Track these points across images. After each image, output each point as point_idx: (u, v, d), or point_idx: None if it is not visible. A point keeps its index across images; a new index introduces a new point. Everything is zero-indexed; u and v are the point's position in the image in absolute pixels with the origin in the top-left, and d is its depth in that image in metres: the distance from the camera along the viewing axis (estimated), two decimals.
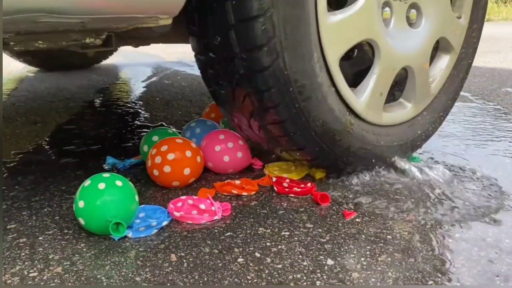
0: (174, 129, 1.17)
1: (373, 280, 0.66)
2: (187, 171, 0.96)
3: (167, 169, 0.95)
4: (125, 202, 0.77)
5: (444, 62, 1.11)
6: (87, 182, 0.78)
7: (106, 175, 0.80)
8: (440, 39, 1.07)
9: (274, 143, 0.97)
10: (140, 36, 1.00)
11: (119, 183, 0.79)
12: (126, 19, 0.80)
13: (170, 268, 0.69)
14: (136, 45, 1.40)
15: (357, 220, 0.84)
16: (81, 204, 0.76)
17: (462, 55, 1.13)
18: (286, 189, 0.95)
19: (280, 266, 0.70)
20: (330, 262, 0.71)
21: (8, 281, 0.66)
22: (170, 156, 0.95)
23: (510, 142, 1.30)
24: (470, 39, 1.14)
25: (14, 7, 0.64)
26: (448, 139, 1.34)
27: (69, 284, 0.66)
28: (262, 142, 1.02)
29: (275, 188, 0.96)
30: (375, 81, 0.97)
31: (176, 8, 0.80)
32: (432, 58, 1.09)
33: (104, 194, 0.76)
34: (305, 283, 0.65)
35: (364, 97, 0.96)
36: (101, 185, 0.77)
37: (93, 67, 2.92)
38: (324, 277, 0.67)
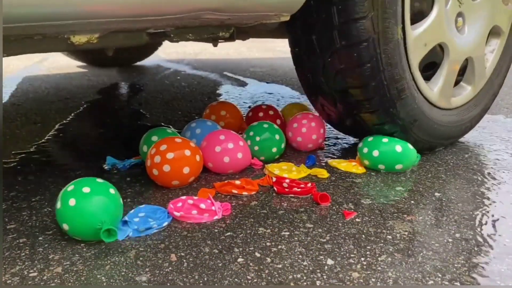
0: (173, 129, 1.17)
1: (373, 280, 0.66)
2: (186, 170, 0.96)
3: (166, 168, 0.95)
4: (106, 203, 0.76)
5: (496, 45, 1.31)
6: (70, 187, 0.77)
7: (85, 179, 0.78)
8: (493, 27, 1.26)
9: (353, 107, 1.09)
10: (253, 31, 1.17)
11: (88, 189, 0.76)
12: (259, 16, 0.97)
13: (170, 268, 0.69)
14: (244, 39, 1.57)
15: (357, 220, 0.84)
16: (71, 203, 0.75)
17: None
18: (286, 189, 0.95)
19: (280, 266, 0.70)
20: (330, 262, 0.71)
21: (8, 281, 0.66)
22: (169, 155, 0.95)
23: None
24: None
25: (194, 7, 0.81)
26: None
27: (69, 284, 0.66)
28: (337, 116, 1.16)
29: (275, 189, 0.96)
30: (445, 75, 1.16)
31: (296, 7, 0.96)
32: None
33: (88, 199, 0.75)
34: (305, 283, 0.65)
35: (437, 89, 1.16)
36: (86, 189, 0.75)
37: (92, 67, 2.92)
38: (324, 277, 0.67)
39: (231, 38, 1.12)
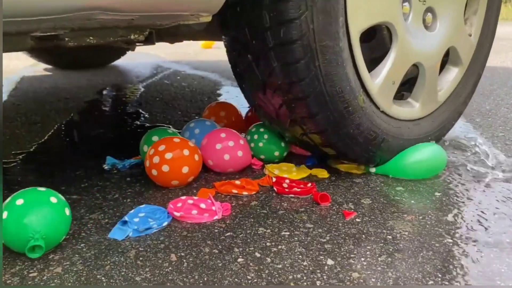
0: (173, 129, 1.17)
1: (373, 280, 0.66)
2: (185, 169, 0.96)
3: (165, 168, 0.95)
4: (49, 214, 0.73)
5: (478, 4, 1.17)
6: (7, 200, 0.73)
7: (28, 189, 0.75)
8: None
9: (290, 109, 0.97)
10: (178, 33, 1.04)
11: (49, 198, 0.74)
12: (171, 16, 0.85)
13: (170, 268, 0.69)
14: (172, 42, 1.47)
15: (357, 220, 0.84)
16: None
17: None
18: (286, 189, 0.95)
19: (280, 266, 0.70)
20: (330, 262, 0.71)
21: (8, 281, 0.66)
22: (168, 156, 0.95)
23: None
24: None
25: (75, 5, 0.68)
26: None
27: (69, 284, 0.66)
28: (275, 114, 1.02)
29: (275, 189, 0.96)
30: (427, 85, 1.06)
31: (216, 6, 0.86)
32: None
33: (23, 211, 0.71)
34: (305, 283, 0.65)
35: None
36: (19, 201, 0.72)
37: (91, 67, 2.91)
38: (324, 277, 0.67)
39: (149, 41, 1.00)
